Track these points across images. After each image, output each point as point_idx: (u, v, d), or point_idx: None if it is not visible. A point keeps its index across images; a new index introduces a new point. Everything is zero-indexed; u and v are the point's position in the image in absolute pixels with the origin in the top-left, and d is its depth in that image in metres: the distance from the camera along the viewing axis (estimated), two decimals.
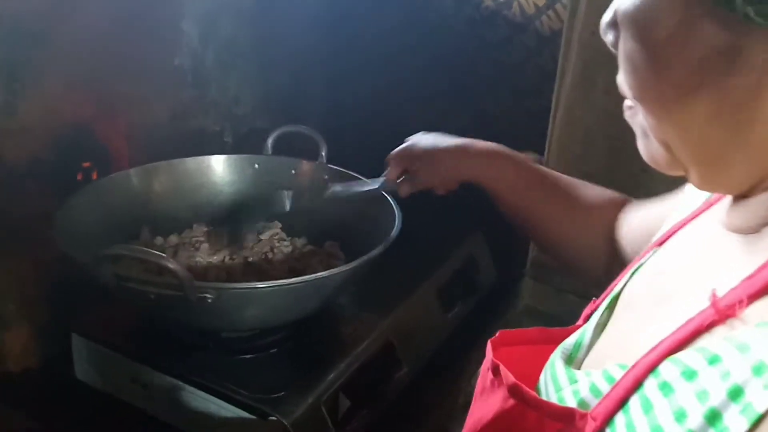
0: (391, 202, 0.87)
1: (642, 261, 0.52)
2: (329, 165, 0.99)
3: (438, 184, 0.81)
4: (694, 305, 0.39)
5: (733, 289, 0.37)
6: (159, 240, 0.91)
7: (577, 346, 0.51)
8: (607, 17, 0.41)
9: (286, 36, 1.21)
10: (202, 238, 0.93)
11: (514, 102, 1.17)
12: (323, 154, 1.00)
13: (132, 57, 0.94)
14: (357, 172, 0.96)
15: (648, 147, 0.42)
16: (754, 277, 0.37)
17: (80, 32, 0.86)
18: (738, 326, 0.36)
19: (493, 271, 1.16)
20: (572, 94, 1.18)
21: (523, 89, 1.15)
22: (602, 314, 0.51)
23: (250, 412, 0.71)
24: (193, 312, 0.69)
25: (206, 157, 0.96)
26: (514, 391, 0.46)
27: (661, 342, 0.39)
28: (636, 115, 0.42)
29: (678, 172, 0.41)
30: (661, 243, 0.52)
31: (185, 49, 1.04)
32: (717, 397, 0.33)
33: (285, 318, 0.77)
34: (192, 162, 0.94)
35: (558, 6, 1.09)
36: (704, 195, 0.51)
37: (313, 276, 0.69)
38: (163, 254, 0.64)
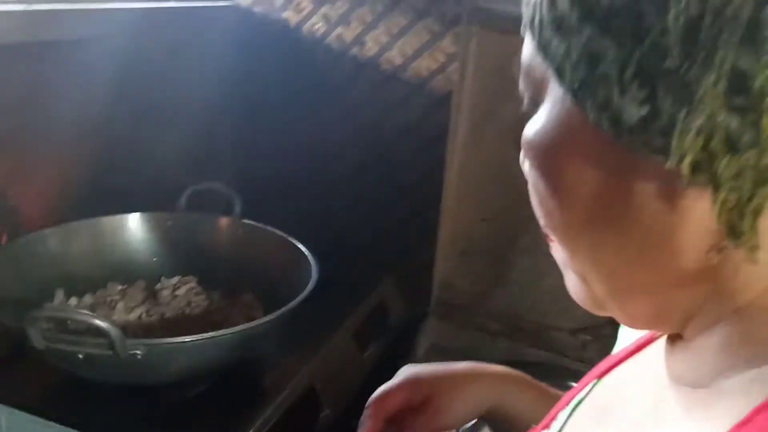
0: (306, 253, 0.93)
1: (582, 394, 0.47)
2: (243, 220, 1.04)
3: (460, 417, 0.65)
4: None
5: None
6: (73, 301, 0.91)
7: None
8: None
9: (194, 97, 1.26)
10: (117, 297, 0.94)
11: (415, 155, 1.27)
12: (237, 209, 1.04)
13: (43, 119, 0.96)
14: (272, 226, 1.01)
15: (568, 281, 0.38)
16: None
17: None
18: None
19: (402, 312, 1.23)
20: (464, 147, 1.30)
21: (422, 143, 1.26)
22: None
23: None
24: (121, 369, 0.71)
25: (120, 215, 0.98)
26: None
27: None
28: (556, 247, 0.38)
29: (602, 311, 0.37)
30: (601, 375, 0.47)
31: (98, 108, 1.06)
32: None
33: (209, 369, 0.80)
34: (107, 221, 0.96)
35: (449, 70, 1.21)
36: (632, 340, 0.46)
37: (239, 328, 0.74)
38: (94, 314, 0.66)
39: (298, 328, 0.90)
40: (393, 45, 1.23)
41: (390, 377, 1.14)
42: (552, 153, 0.34)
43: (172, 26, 1.20)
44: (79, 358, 0.68)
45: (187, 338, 0.70)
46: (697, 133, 0.27)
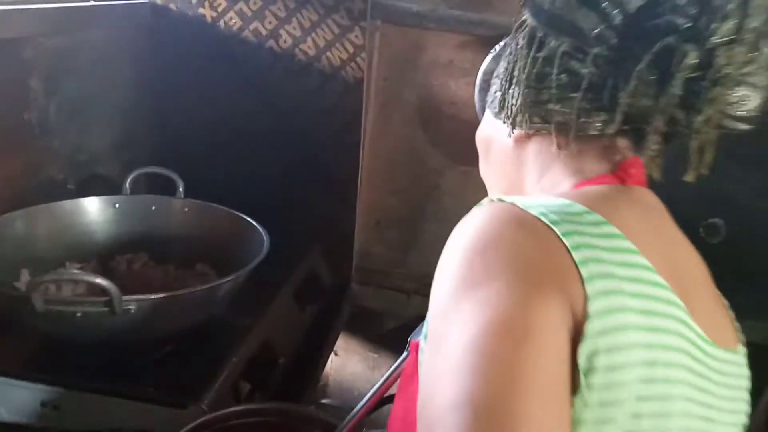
0: (255, 224, 1.05)
1: None
2: (188, 198, 1.14)
3: None
4: None
5: None
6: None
7: None
8: None
9: (120, 90, 1.33)
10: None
11: (331, 137, 1.41)
12: (180, 190, 1.14)
13: None
14: (215, 201, 1.12)
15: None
16: None
17: None
18: None
19: (329, 278, 1.38)
20: (374, 129, 1.46)
21: (338, 127, 1.40)
22: None
23: (168, 406, 0.83)
24: (113, 326, 0.80)
25: (75, 200, 1.05)
26: None
27: None
28: None
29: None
30: None
31: (33, 104, 1.12)
32: None
33: (181, 327, 0.90)
34: (64, 204, 1.03)
35: (358, 59, 1.36)
36: None
37: (218, 281, 0.86)
38: (94, 274, 0.76)
39: (247, 292, 1.03)
40: (306, 38, 1.37)
41: (325, 333, 1.29)
42: (485, 140, 0.66)
43: (94, 24, 1.26)
44: (77, 317, 0.77)
45: (172, 292, 0.80)
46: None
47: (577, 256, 0.44)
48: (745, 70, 0.48)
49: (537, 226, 0.45)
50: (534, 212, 0.46)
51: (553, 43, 0.53)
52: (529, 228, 0.45)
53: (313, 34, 1.36)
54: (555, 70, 0.53)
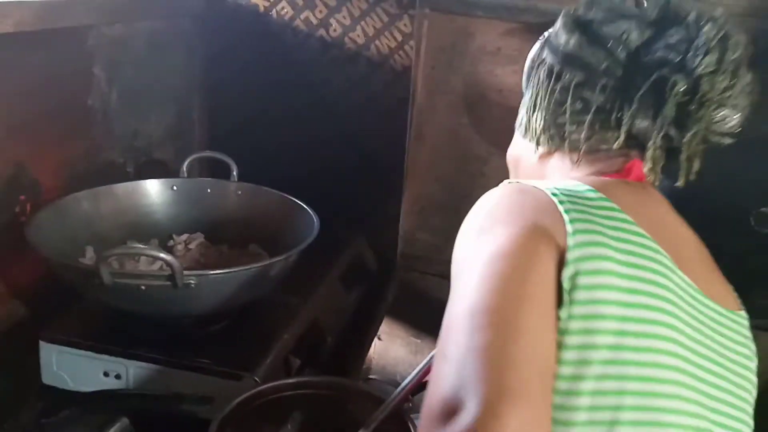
0: (306, 207, 1.08)
1: None
2: (241, 182, 1.18)
3: None
4: None
5: None
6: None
7: None
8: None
9: (176, 79, 1.38)
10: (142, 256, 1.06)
11: (377, 125, 1.44)
12: (234, 173, 1.18)
13: (56, 102, 1.07)
14: (265, 185, 1.16)
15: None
16: None
17: (13, 82, 0.98)
18: None
19: (374, 263, 1.41)
20: (421, 116, 1.48)
21: (385, 113, 1.43)
22: None
23: (224, 378, 0.88)
24: (174, 299, 0.84)
25: (135, 182, 1.11)
26: None
27: None
28: None
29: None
30: None
31: (95, 90, 1.17)
32: None
33: (240, 300, 0.94)
34: (125, 186, 1.08)
35: (406, 47, 1.38)
36: None
37: (271, 260, 0.89)
38: (157, 249, 0.80)
39: (296, 273, 1.06)
40: (355, 26, 1.39)
41: (370, 315, 1.32)
42: (515, 158, 0.77)
43: (151, 13, 1.31)
44: (141, 290, 0.81)
45: (233, 269, 0.84)
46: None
47: (564, 210, 0.55)
48: (726, 94, 0.59)
49: (537, 193, 0.57)
50: (539, 186, 0.58)
51: (568, 76, 0.65)
52: (529, 193, 0.57)
53: (363, 23, 1.39)
54: (569, 99, 0.65)
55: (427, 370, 0.82)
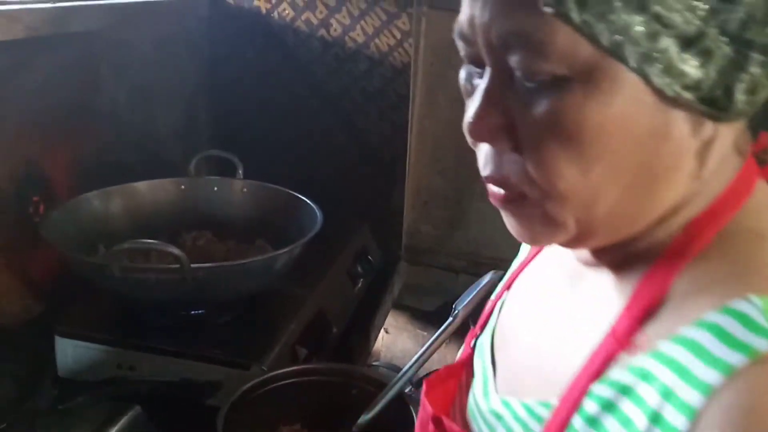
0: (308, 202, 1.11)
1: (501, 300, 0.61)
2: (246, 179, 1.21)
3: None
4: (579, 335, 0.46)
5: (620, 320, 0.42)
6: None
7: (485, 379, 0.56)
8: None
9: (181, 81, 1.41)
10: (152, 250, 1.10)
11: (379, 119, 1.47)
12: (240, 171, 1.21)
13: (65, 104, 1.10)
14: (271, 182, 1.19)
15: (540, 229, 0.44)
16: (632, 307, 0.42)
17: (25, 85, 1.02)
18: (636, 354, 0.40)
19: (379, 256, 1.43)
20: (422, 111, 1.51)
21: (386, 109, 1.46)
22: (490, 347, 0.58)
23: (233, 367, 0.91)
24: (183, 291, 0.88)
25: (145, 182, 1.14)
26: None
27: (577, 379, 0.43)
28: (523, 206, 0.43)
29: (557, 240, 0.45)
30: (509, 286, 0.61)
31: (103, 92, 1.21)
32: (640, 422, 0.38)
33: (247, 292, 0.97)
34: (135, 186, 1.12)
35: (405, 45, 1.41)
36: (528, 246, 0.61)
37: (276, 252, 0.92)
38: (166, 243, 0.83)
39: (302, 266, 1.09)
40: (355, 25, 1.42)
41: (375, 307, 1.35)
42: (607, 114, 0.39)
43: (157, 17, 1.35)
44: (150, 282, 0.85)
45: (240, 261, 0.88)
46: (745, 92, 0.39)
47: None
48: None
49: None
50: None
51: None
52: None
53: (362, 22, 1.42)
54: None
55: (431, 352, 0.85)
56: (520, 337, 0.54)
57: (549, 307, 0.53)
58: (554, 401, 0.44)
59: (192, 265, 0.84)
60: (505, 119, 0.41)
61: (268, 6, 1.44)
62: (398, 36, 1.42)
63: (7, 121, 0.99)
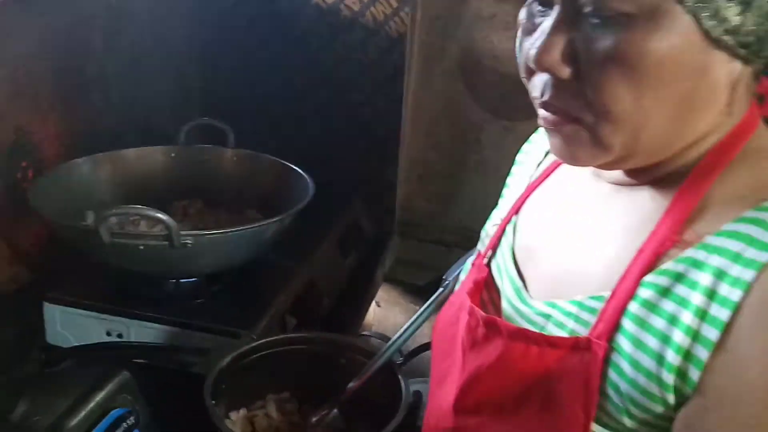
0: (300, 171, 1.10)
1: (513, 220, 0.65)
2: (238, 149, 1.19)
3: None
4: (619, 239, 0.52)
5: (662, 221, 0.50)
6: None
7: (516, 290, 0.60)
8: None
9: (173, 47, 1.39)
10: (137, 218, 1.09)
11: (374, 91, 1.45)
12: (231, 139, 1.20)
13: (56, 69, 1.08)
14: (262, 151, 1.18)
15: (587, 149, 0.51)
16: (672, 211, 0.50)
17: (15, 50, 1.00)
18: (684, 248, 0.48)
19: (371, 229, 1.43)
20: (417, 83, 1.49)
21: (381, 81, 1.44)
22: (513, 262, 0.63)
23: (223, 335, 0.90)
24: (171, 259, 0.87)
25: (135, 149, 1.12)
26: (517, 335, 0.55)
27: (627, 273, 0.49)
28: (576, 129, 0.50)
29: (600, 160, 0.51)
30: (517, 210, 0.66)
31: (93, 58, 1.19)
32: (696, 299, 0.45)
33: (236, 261, 0.96)
34: (124, 153, 1.10)
35: (402, 14, 1.39)
36: (528, 175, 0.68)
37: (266, 221, 0.91)
38: (154, 209, 0.82)
39: (293, 237, 1.09)
40: None
41: (367, 280, 1.35)
42: (664, 48, 0.46)
43: None
44: (139, 249, 0.84)
45: (229, 229, 0.87)
46: None
47: None
48: None
49: None
50: None
51: None
52: None
53: None
54: None
55: (417, 327, 0.85)
56: (550, 249, 0.60)
57: (577, 221, 0.59)
58: (606, 294, 0.50)
59: (181, 232, 0.83)
60: (568, 50, 0.48)
61: None
62: (394, 4, 1.40)
63: None
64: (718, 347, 0.44)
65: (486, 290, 0.65)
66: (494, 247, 0.67)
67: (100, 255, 0.89)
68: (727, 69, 0.48)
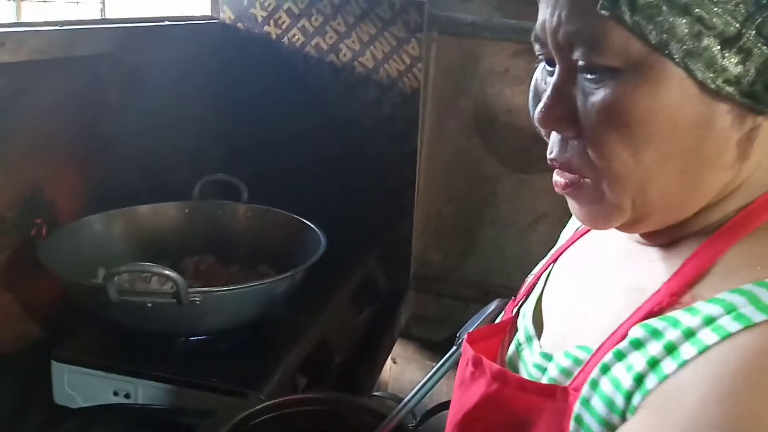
0: (312, 226, 1.09)
1: (548, 271, 0.66)
2: (251, 204, 1.19)
3: None
4: (625, 296, 0.51)
5: (668, 283, 0.48)
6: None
7: (528, 337, 0.61)
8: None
9: (190, 105, 1.41)
10: (148, 275, 1.08)
11: (389, 146, 1.45)
12: (245, 195, 1.20)
13: (72, 127, 1.10)
14: (278, 207, 1.18)
15: (599, 210, 0.50)
16: (680, 274, 0.48)
17: (32, 108, 1.02)
18: (675, 309, 0.46)
19: (386, 284, 1.41)
20: (431, 137, 1.49)
21: (395, 135, 1.44)
22: (533, 312, 0.63)
23: (230, 396, 0.88)
24: (180, 316, 0.86)
25: (149, 205, 1.13)
26: (498, 376, 0.55)
27: (619, 327, 0.49)
28: (583, 188, 0.49)
29: (616, 222, 0.50)
30: (555, 260, 0.66)
31: (110, 116, 1.20)
32: (655, 350, 0.44)
33: (244, 320, 0.95)
34: (138, 209, 1.11)
35: (415, 70, 1.40)
36: (574, 228, 0.68)
37: (275, 278, 0.90)
38: (162, 266, 0.81)
39: (305, 293, 1.07)
40: (365, 51, 1.41)
41: (380, 337, 1.32)
42: (654, 102, 0.44)
43: (166, 42, 1.35)
44: (147, 307, 0.83)
45: (238, 286, 0.85)
46: None
47: None
48: None
49: None
50: None
51: None
52: None
53: (372, 47, 1.41)
54: None
55: (431, 386, 0.82)
56: (566, 302, 0.60)
57: (597, 277, 0.58)
58: (594, 346, 0.50)
59: (189, 289, 0.82)
60: (569, 109, 0.47)
61: (279, 32, 1.45)
62: (408, 61, 1.41)
63: (13, 144, 0.99)
64: (658, 388, 0.44)
65: (509, 335, 0.66)
66: (527, 294, 0.68)
67: (109, 313, 0.88)
68: (735, 120, 0.45)
